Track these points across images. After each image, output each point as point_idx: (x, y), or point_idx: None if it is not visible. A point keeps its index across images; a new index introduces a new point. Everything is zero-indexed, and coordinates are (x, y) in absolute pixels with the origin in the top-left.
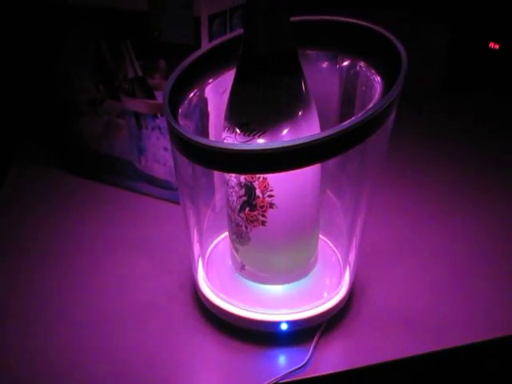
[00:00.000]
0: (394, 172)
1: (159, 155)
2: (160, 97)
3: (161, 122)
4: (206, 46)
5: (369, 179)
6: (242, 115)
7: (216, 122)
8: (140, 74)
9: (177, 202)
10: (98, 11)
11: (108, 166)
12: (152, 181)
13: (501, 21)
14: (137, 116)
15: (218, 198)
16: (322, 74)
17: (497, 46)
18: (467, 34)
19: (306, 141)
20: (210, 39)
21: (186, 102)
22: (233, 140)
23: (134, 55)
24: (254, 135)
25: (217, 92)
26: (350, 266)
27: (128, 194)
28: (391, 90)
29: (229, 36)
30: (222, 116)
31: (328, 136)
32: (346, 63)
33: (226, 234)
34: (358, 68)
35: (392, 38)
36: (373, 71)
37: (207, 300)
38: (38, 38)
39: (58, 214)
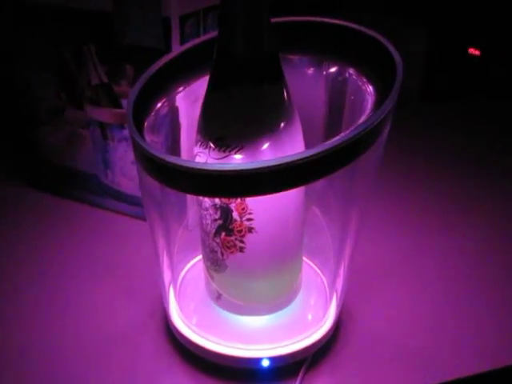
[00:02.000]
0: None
1: (127, 169)
2: None
3: (128, 132)
4: (176, 49)
5: (359, 197)
6: (216, 129)
7: (188, 134)
8: (105, 80)
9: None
10: (58, 12)
11: (72, 181)
12: (120, 196)
13: (482, 26)
14: (102, 126)
15: (191, 215)
16: (307, 81)
17: (477, 52)
18: (446, 40)
19: (291, 160)
20: (182, 42)
21: (154, 113)
22: (206, 156)
23: (97, 60)
24: (230, 151)
25: (188, 100)
26: (337, 293)
27: (94, 210)
28: (385, 103)
29: (201, 39)
30: (195, 128)
31: (317, 154)
32: (333, 70)
33: (200, 257)
34: (346, 75)
35: (385, 42)
36: (364, 79)
37: (180, 334)
38: None
39: (15, 231)
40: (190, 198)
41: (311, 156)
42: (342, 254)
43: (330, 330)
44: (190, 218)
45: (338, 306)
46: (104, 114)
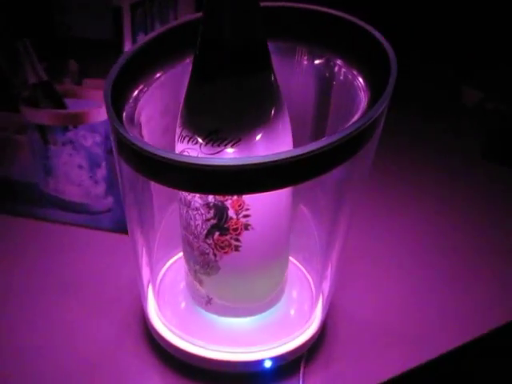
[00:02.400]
0: None
1: (73, 175)
2: (72, 105)
3: (73, 135)
4: (127, 41)
5: (350, 196)
6: (210, 122)
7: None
8: (44, 78)
9: (97, 228)
10: None
11: (7, 193)
12: (64, 205)
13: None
14: (41, 130)
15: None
16: (294, 71)
17: None
18: None
19: (302, 152)
20: (133, 33)
21: (132, 101)
22: (197, 152)
23: (35, 56)
24: (225, 145)
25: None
26: (323, 293)
27: (36, 223)
28: (384, 94)
29: (176, 22)
30: (157, 127)
31: (330, 144)
32: (321, 60)
33: (178, 256)
34: (335, 68)
35: (378, 35)
36: (354, 72)
37: (163, 339)
38: None
39: None
40: (156, 199)
41: (323, 147)
42: (329, 256)
43: (319, 329)
44: (156, 217)
45: (325, 302)
46: (44, 116)
